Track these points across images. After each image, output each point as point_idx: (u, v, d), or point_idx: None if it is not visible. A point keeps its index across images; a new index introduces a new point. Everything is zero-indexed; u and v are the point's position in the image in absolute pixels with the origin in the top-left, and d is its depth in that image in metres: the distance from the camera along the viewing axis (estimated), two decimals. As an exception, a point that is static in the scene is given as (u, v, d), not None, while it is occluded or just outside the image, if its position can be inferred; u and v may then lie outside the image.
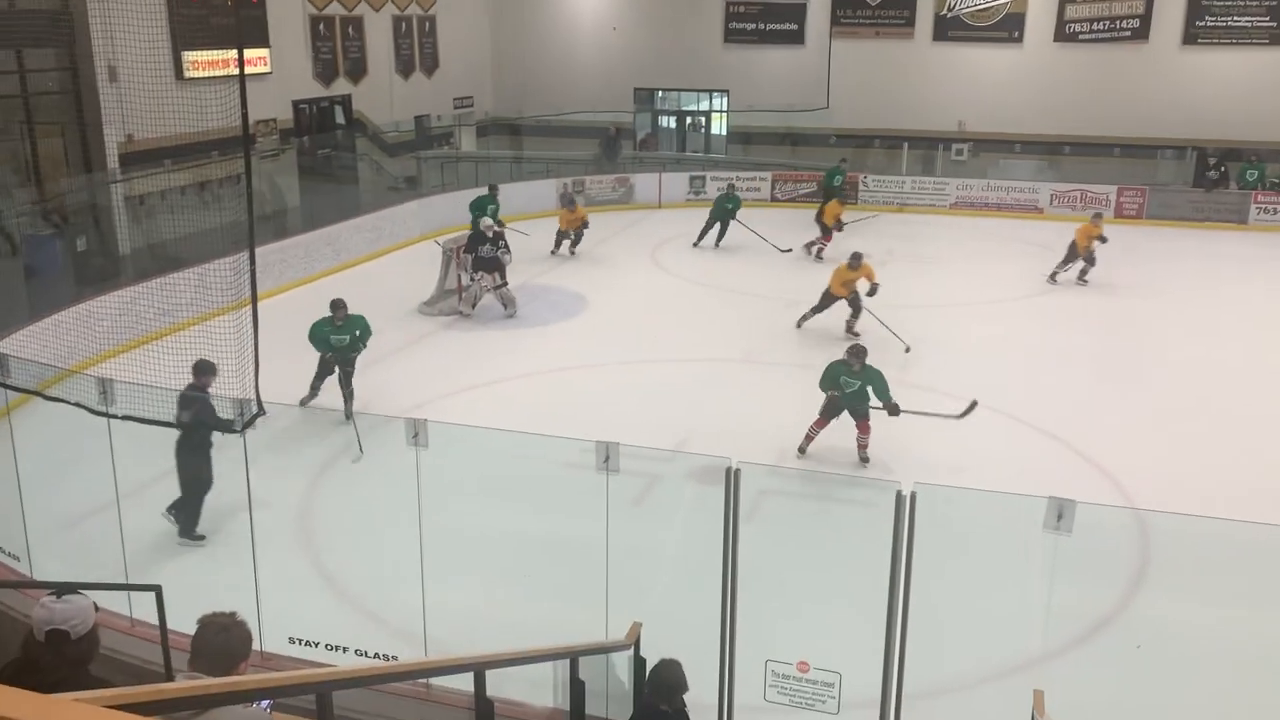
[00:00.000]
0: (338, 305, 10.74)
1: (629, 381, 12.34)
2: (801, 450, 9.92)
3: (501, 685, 5.44)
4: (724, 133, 27.91)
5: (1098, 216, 17.15)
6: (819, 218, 19.21)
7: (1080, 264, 16.70)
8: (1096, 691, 6.28)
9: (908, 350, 12.99)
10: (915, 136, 25.16)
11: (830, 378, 9.75)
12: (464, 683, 4.85)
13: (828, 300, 13.94)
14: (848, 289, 13.89)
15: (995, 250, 20.14)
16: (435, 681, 5.33)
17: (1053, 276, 16.89)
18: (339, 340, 10.62)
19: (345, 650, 6.13)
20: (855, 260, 13.88)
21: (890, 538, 4.56)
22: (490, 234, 14.79)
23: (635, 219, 22.54)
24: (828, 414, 9.82)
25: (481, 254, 14.73)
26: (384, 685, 4.31)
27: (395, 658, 5.86)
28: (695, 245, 19.02)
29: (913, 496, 4.51)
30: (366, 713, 5.01)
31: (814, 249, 18.58)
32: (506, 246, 14.99)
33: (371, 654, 6.05)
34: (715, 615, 4.88)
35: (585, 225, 18.23)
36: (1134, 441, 10.52)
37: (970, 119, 25.08)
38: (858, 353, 9.75)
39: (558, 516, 7.73)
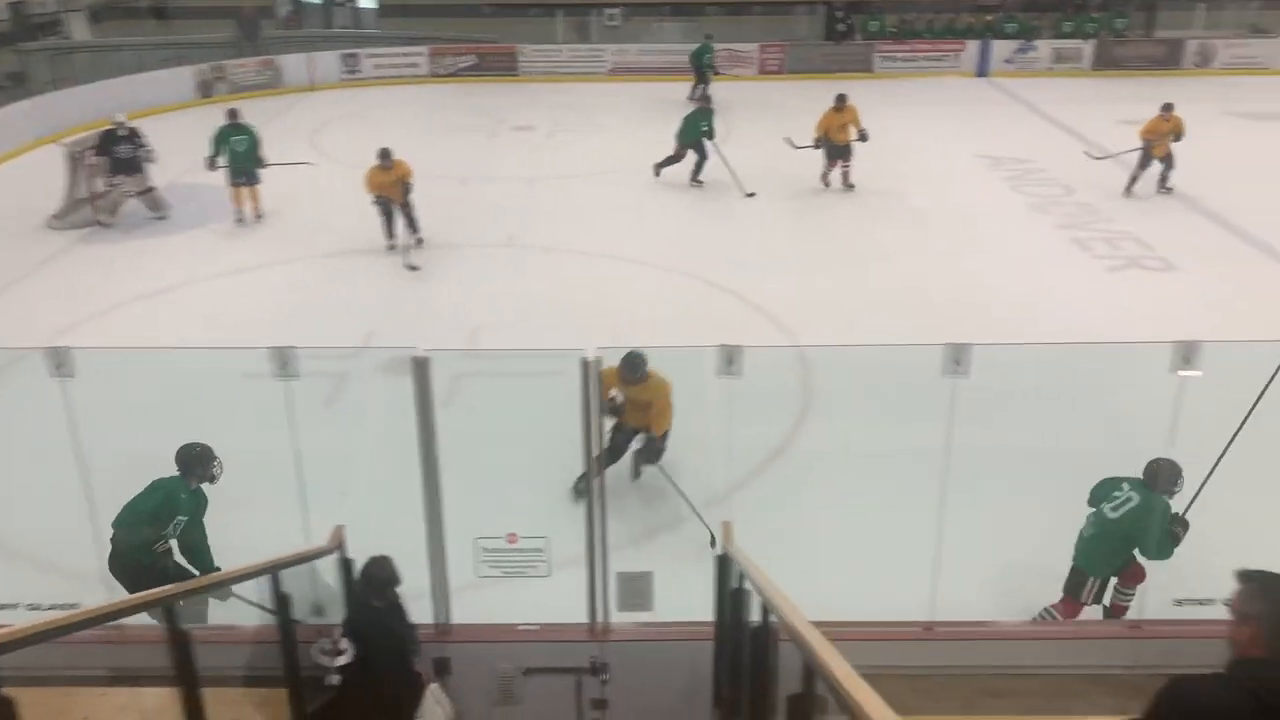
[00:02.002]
0: None
1: (301, 280, 11.75)
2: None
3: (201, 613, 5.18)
4: (375, 5, 26.45)
5: (1168, 108, 14.08)
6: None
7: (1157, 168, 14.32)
8: (775, 515, 6.91)
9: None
10: (568, 3, 25.08)
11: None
12: (161, 618, 4.58)
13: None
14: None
15: (661, 113, 20.71)
16: (127, 622, 4.97)
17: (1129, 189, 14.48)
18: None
19: (16, 607, 5.58)
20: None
21: (580, 402, 4.69)
22: (124, 131, 13.32)
23: (287, 104, 21.11)
24: None
25: (118, 155, 13.27)
26: (67, 638, 3.96)
27: (77, 606, 5.39)
28: (656, 176, 15.53)
29: (598, 360, 4.65)
30: (55, 668, 4.62)
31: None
32: (145, 144, 13.56)
33: (48, 606, 5.54)
34: (420, 506, 4.87)
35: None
36: (798, 284, 11.38)
37: (619, -17, 25.31)
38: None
39: (243, 431, 7.32)
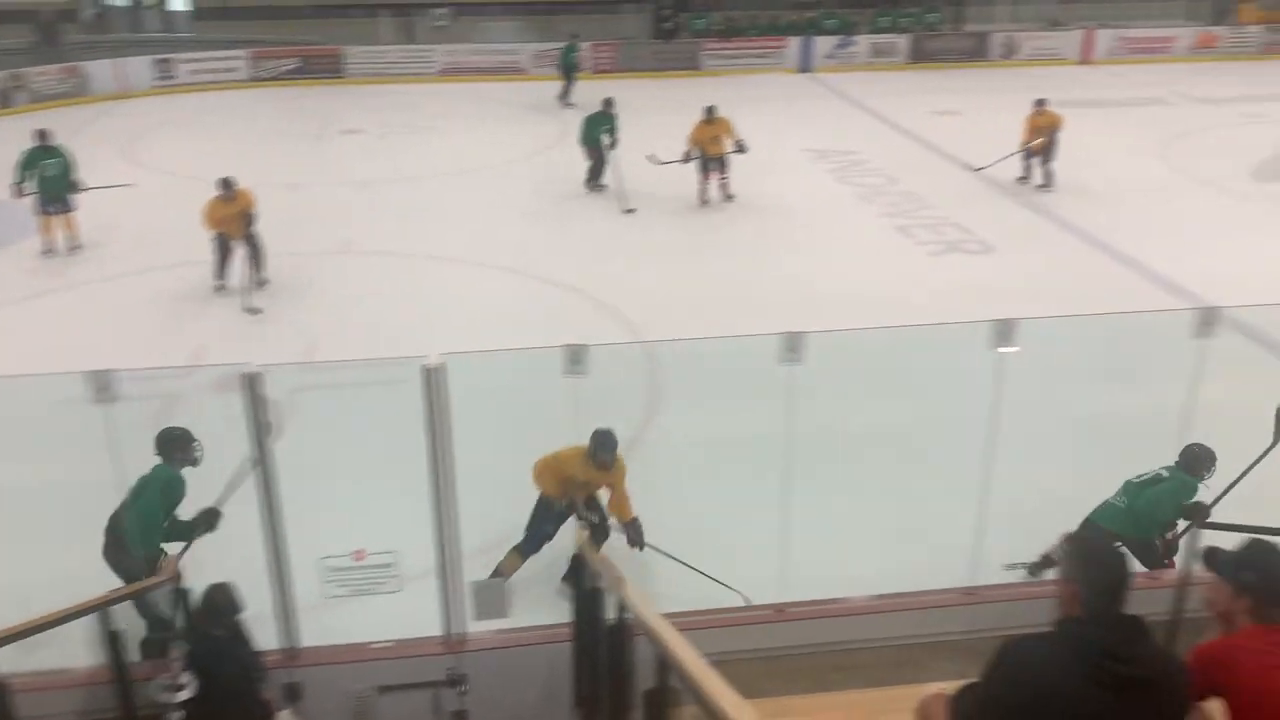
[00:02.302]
0: None
1: (122, 300, 11.11)
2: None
3: (22, 660, 4.84)
4: (190, 8, 25.20)
5: (1040, 103, 14.65)
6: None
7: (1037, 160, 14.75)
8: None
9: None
10: (394, 3, 24.58)
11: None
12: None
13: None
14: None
15: (495, 112, 20.54)
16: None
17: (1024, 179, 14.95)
18: None
19: None
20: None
21: (424, 411, 4.61)
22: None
23: (95, 114, 19.93)
24: None
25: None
26: None
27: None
28: (590, 190, 14.84)
29: (440, 368, 4.57)
30: None
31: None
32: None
33: None
34: (259, 528, 4.69)
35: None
36: (641, 281, 11.48)
37: (446, -18, 24.91)
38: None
39: (61, 462, 6.88)
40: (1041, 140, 14.48)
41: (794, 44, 24.67)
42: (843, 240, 13.02)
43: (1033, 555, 5.94)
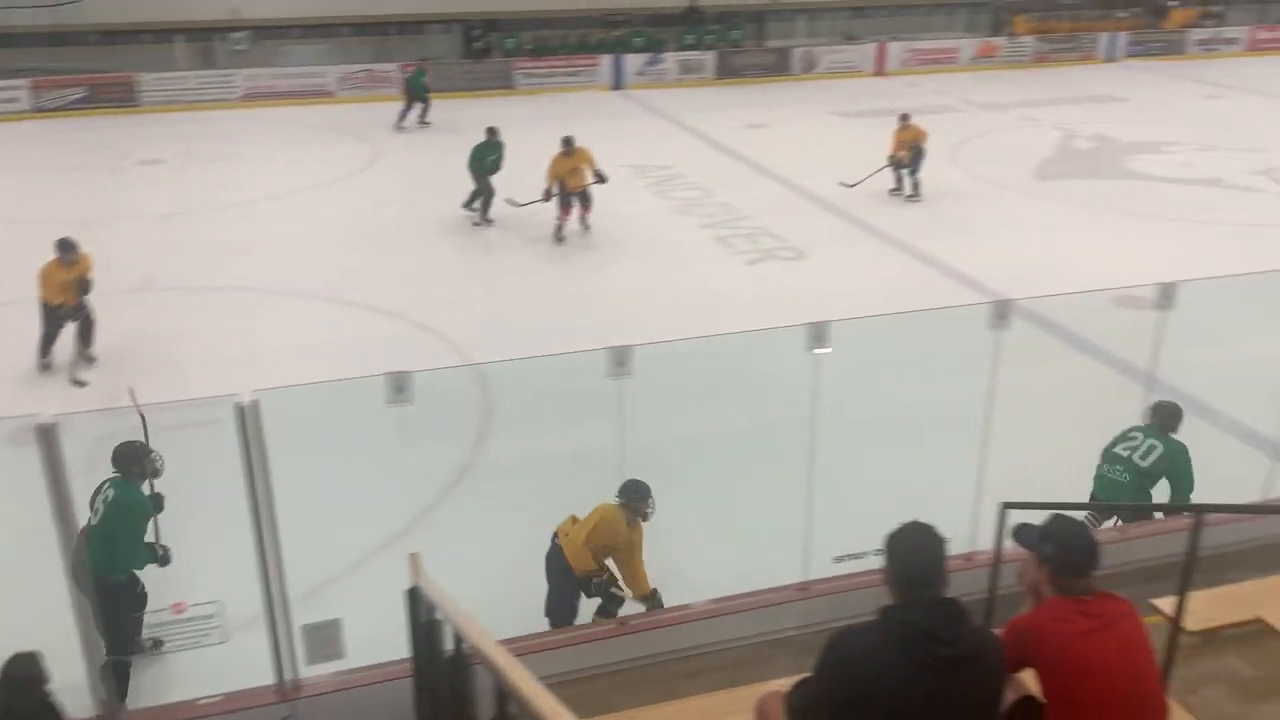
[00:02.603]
0: None
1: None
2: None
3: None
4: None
5: (905, 118, 15.28)
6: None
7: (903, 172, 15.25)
8: (468, 534, 6.86)
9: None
10: (188, 28, 23.52)
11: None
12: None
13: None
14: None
15: (302, 137, 19.91)
16: None
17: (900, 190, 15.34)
18: None
19: None
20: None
21: (240, 451, 4.40)
22: None
23: None
24: None
25: None
26: None
27: None
28: (478, 221, 14.26)
29: (254, 405, 4.39)
30: None
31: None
32: None
33: None
34: (64, 591, 4.37)
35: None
36: (465, 304, 11.34)
37: (244, 5, 23.98)
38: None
39: None
40: (906, 153, 15.04)
41: (605, 62, 24.99)
42: (665, 253, 13.24)
43: (854, 547, 6.18)
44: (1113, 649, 2.78)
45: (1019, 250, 12.44)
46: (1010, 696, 2.80)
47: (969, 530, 5.99)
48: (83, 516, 4.33)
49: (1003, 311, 5.78)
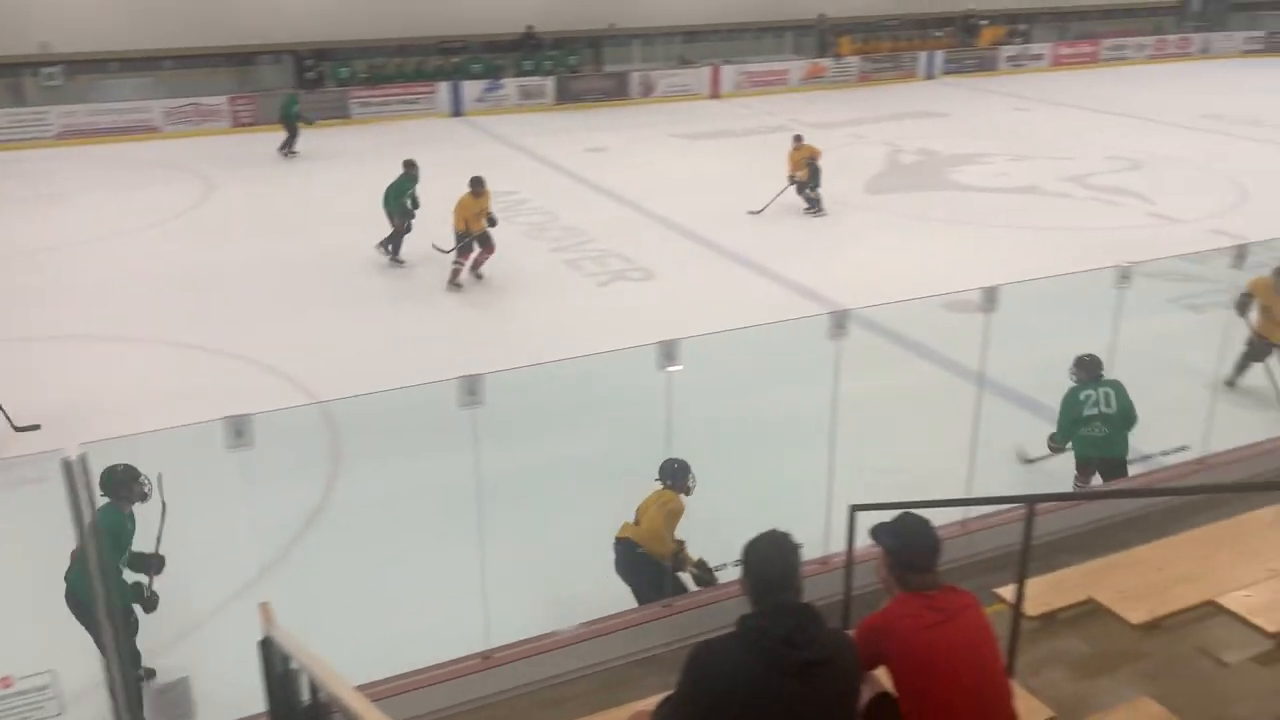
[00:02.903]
0: None
1: None
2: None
3: None
4: None
5: (798, 139, 16.18)
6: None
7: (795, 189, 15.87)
8: (322, 579, 6.64)
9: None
10: (-8, 62, 22.20)
11: None
12: None
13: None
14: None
15: (127, 175, 18.98)
16: None
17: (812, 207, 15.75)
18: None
19: None
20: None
21: (70, 508, 4.16)
22: None
23: None
24: None
25: None
26: None
27: None
28: (389, 260, 13.63)
29: (83, 459, 4.15)
30: None
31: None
32: None
33: None
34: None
35: None
36: (308, 341, 11.00)
37: (55, 39, 22.73)
38: None
39: None
40: (804, 171, 15.63)
41: (443, 89, 24.79)
42: (514, 278, 13.18)
43: (716, 559, 6.29)
44: (958, 640, 2.91)
45: (855, 261, 12.93)
46: (867, 694, 2.90)
47: (823, 534, 6.17)
48: None
49: (840, 321, 6.00)
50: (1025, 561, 4.18)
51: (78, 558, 4.95)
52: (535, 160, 20.20)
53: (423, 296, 12.52)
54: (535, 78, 25.93)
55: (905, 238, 14.68)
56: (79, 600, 5.10)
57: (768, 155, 19.85)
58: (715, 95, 27.21)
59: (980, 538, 6.46)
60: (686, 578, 6.31)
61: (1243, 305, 8.85)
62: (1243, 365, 9.19)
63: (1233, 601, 4.50)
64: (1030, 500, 4.28)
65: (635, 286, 12.95)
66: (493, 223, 13.04)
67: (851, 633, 2.93)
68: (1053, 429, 7.56)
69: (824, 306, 10.98)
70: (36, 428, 8.84)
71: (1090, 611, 4.83)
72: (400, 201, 13.57)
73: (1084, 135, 21.59)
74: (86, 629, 4.94)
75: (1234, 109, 23.98)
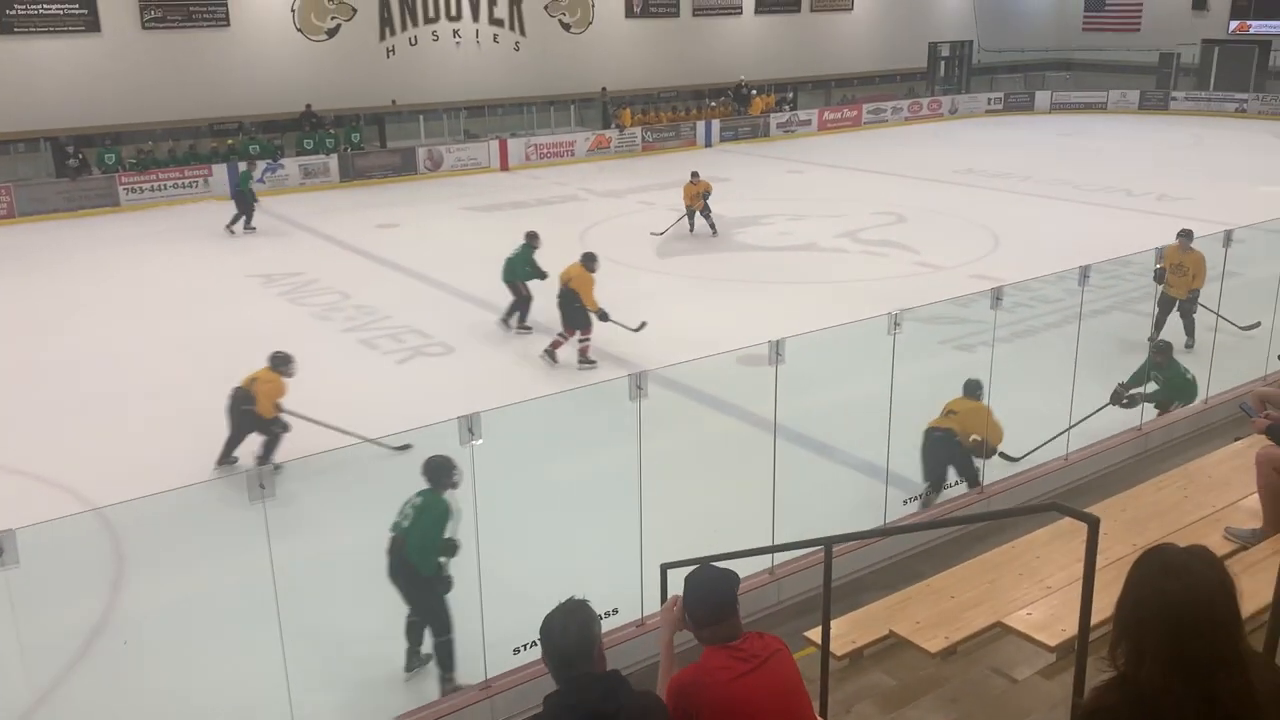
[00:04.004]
0: None
1: None
2: None
3: None
4: None
5: (695, 177, 19.20)
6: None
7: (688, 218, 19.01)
8: (107, 704, 6.12)
9: None
10: None
11: None
12: None
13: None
14: None
15: None
16: None
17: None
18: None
19: None
20: None
21: None
22: None
23: None
24: None
25: None
26: None
27: None
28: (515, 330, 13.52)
29: None
30: None
31: None
32: None
33: None
34: None
35: None
36: (79, 442, 10.22)
37: None
38: None
39: None
40: (700, 201, 18.74)
41: (220, 171, 23.88)
42: (308, 362, 12.66)
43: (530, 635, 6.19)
44: (768, 687, 2.97)
45: (652, 323, 13.20)
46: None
47: (638, 596, 6.21)
48: None
49: (639, 382, 6.11)
50: (828, 602, 4.33)
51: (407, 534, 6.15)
52: (322, 239, 19.71)
53: (215, 390, 11.88)
54: (317, 156, 25.41)
55: (697, 298, 15.16)
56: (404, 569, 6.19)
57: (561, 223, 20.19)
58: (504, 168, 27.46)
59: (787, 583, 6.66)
60: None
61: (1159, 276, 11.33)
62: (1159, 322, 11.73)
63: (1017, 621, 4.81)
64: (828, 542, 4.46)
65: (436, 361, 12.77)
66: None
67: (661, 693, 2.94)
68: (842, 469, 7.92)
69: (624, 368, 11.14)
70: None
71: (892, 645, 5.05)
72: (525, 270, 13.67)
73: (853, 193, 23.05)
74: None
75: (983, 164, 26.21)
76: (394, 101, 27.54)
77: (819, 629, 4.58)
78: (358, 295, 15.55)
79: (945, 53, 38.66)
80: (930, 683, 4.68)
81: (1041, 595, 5.05)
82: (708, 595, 3.06)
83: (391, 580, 6.21)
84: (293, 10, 26.03)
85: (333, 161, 25.42)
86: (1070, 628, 4.34)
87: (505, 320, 13.81)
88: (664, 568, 5.13)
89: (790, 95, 34.04)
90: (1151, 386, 9.74)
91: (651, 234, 18.65)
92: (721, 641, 3.01)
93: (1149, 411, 9.59)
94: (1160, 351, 9.85)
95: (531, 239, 13.92)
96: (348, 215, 21.59)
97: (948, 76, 38.83)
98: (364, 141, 26.91)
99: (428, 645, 6.31)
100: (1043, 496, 7.87)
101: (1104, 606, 2.64)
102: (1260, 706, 1.96)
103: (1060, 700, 4.30)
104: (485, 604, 5.73)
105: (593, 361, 12.43)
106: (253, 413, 9.21)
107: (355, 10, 26.89)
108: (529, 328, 13.65)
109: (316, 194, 24.39)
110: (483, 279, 16.04)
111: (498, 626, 6.02)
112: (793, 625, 5.92)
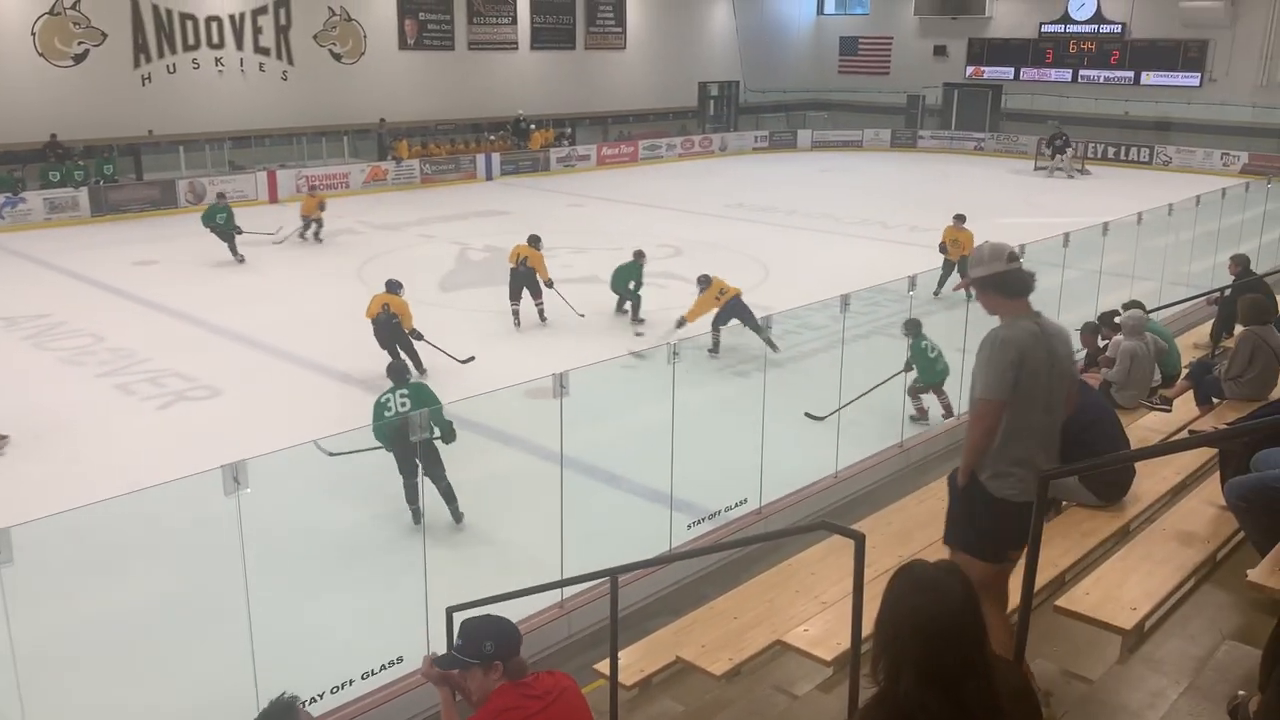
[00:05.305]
0: None
1: None
2: None
3: None
4: None
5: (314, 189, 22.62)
6: None
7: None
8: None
9: None
10: None
11: None
12: None
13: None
14: None
15: None
16: None
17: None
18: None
19: None
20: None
21: None
22: None
23: None
24: None
25: None
26: None
27: None
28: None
29: None
30: None
31: None
32: None
33: None
34: None
35: None
36: None
37: None
38: None
39: None
40: (320, 213, 20.96)
41: (-52, 205, 21.74)
42: (52, 416, 11.66)
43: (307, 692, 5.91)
44: (559, 724, 2.95)
45: (430, 360, 12.96)
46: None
47: (424, 644, 6.02)
48: None
49: (422, 421, 5.96)
50: (615, 634, 4.35)
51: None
52: (70, 278, 18.25)
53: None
54: (65, 189, 23.55)
55: (482, 333, 15.01)
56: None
57: (338, 256, 19.57)
58: (274, 200, 26.35)
59: (577, 616, 6.65)
60: None
61: (943, 248, 16.13)
62: (942, 281, 15.37)
63: (795, 638, 4.98)
64: (613, 573, 4.48)
65: (200, 405, 12.02)
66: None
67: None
68: (628, 497, 8.01)
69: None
70: None
71: (679, 670, 5.12)
72: (624, 282, 15.46)
73: (632, 227, 23.52)
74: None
75: (752, 198, 27.38)
76: (151, 131, 25.93)
77: (606, 661, 4.59)
78: (112, 338, 14.46)
79: (714, 92, 40.25)
80: (716, 705, 4.77)
81: (817, 611, 5.25)
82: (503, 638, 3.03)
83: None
84: (33, 34, 24.13)
85: (83, 195, 23.63)
86: (845, 641, 4.53)
87: (635, 321, 15.38)
88: (450, 611, 5.00)
89: (569, 130, 34.46)
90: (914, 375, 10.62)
91: (274, 241, 20.46)
92: (512, 677, 2.97)
93: (910, 428, 10.24)
94: (908, 327, 10.63)
95: (638, 256, 15.70)
96: (100, 252, 20.11)
97: (717, 115, 40.41)
98: (118, 173, 25.15)
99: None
100: (816, 514, 8.23)
101: (874, 618, 2.76)
102: (1003, 709, 2.11)
103: (838, 714, 4.48)
104: (256, 666, 5.40)
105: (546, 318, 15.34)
106: (400, 326, 12.34)
107: (105, 35, 25.20)
108: (642, 320, 15.30)
109: (65, 229, 22.60)
110: (252, 316, 15.33)
111: (272, 687, 5.70)
112: (585, 658, 5.91)
